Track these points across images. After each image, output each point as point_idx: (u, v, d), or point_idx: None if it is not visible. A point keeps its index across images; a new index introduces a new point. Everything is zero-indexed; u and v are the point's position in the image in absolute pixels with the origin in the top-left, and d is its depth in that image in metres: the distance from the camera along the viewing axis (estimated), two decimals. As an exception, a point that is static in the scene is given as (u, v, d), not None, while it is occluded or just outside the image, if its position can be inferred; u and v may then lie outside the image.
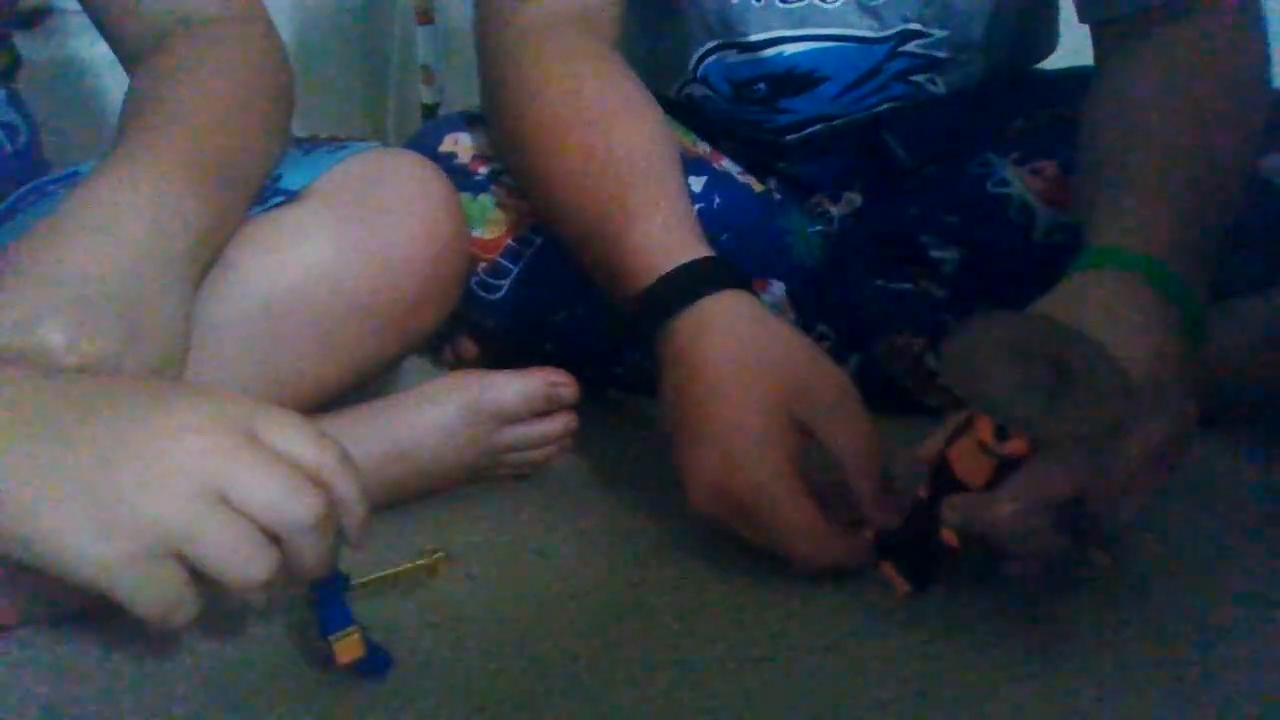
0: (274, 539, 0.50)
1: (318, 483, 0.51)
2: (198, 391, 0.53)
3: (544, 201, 0.82)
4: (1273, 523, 0.76)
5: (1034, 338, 0.59)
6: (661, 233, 0.71)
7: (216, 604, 0.52)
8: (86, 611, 0.61)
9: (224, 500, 0.49)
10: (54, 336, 0.55)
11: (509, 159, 0.89)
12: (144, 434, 0.50)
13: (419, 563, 0.66)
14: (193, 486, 0.49)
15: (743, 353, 0.67)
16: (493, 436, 0.78)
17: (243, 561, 0.49)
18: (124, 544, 0.49)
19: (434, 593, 0.65)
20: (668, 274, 0.70)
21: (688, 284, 0.70)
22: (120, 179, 0.61)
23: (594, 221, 0.75)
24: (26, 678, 0.57)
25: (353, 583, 0.59)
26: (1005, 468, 0.59)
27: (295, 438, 0.52)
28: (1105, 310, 0.63)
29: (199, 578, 0.50)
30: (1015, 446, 0.58)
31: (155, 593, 0.50)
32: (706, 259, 0.71)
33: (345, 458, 0.53)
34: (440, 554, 0.66)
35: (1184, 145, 0.72)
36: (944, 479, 0.61)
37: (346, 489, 0.53)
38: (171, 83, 0.69)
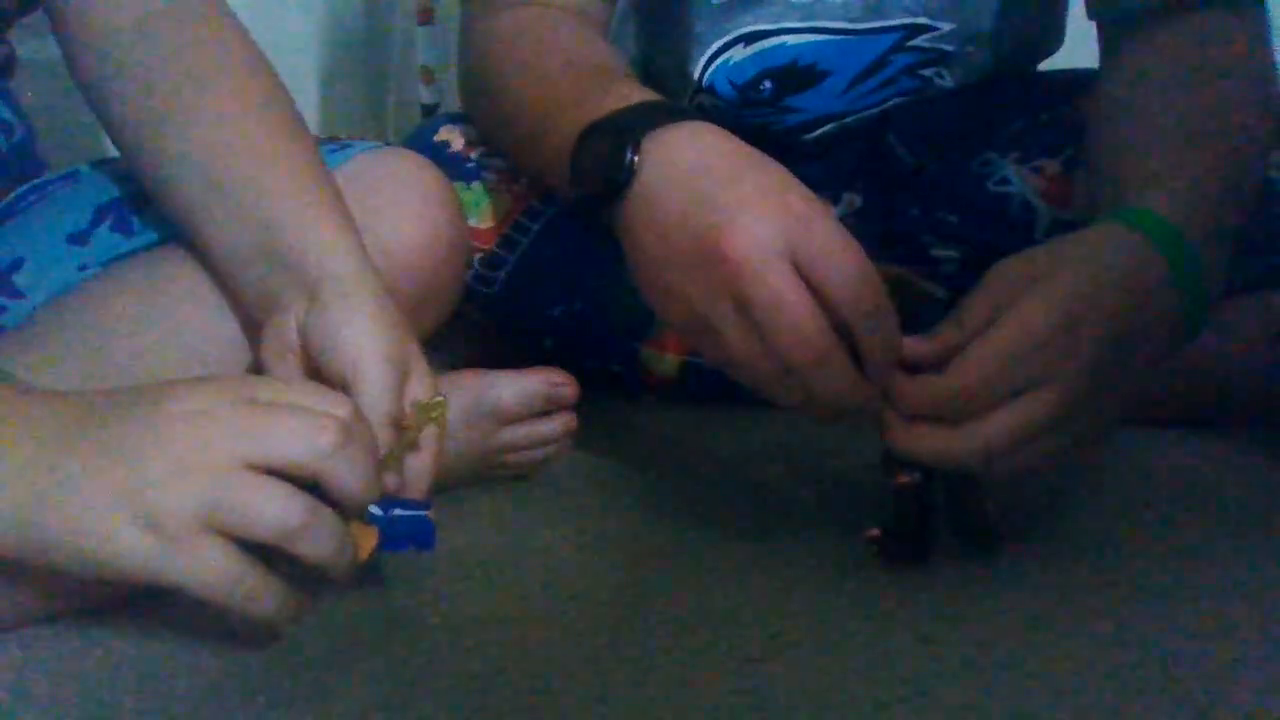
0: (312, 492, 0.53)
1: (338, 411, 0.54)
2: (191, 380, 0.56)
3: (520, 123, 0.80)
4: (1273, 523, 0.76)
5: None
6: (645, 94, 0.70)
7: (295, 575, 0.54)
8: (87, 612, 0.61)
9: (248, 464, 0.52)
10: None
11: (494, 130, 0.90)
12: (160, 425, 0.52)
13: (422, 406, 0.62)
14: (215, 460, 0.51)
15: (745, 150, 0.64)
16: (492, 437, 0.78)
17: (276, 511, 0.51)
18: (165, 530, 0.51)
19: (434, 593, 0.65)
20: (653, 101, 0.69)
21: (674, 109, 0.67)
22: (345, 297, 0.62)
23: (572, 101, 0.72)
24: (26, 678, 0.57)
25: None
26: None
27: (295, 390, 0.55)
28: (1063, 260, 0.64)
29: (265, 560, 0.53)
30: None
31: (210, 571, 0.51)
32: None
33: (354, 407, 0.56)
34: (440, 398, 0.62)
35: (1201, 122, 0.73)
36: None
37: (365, 432, 0.55)
38: (230, 112, 0.69)
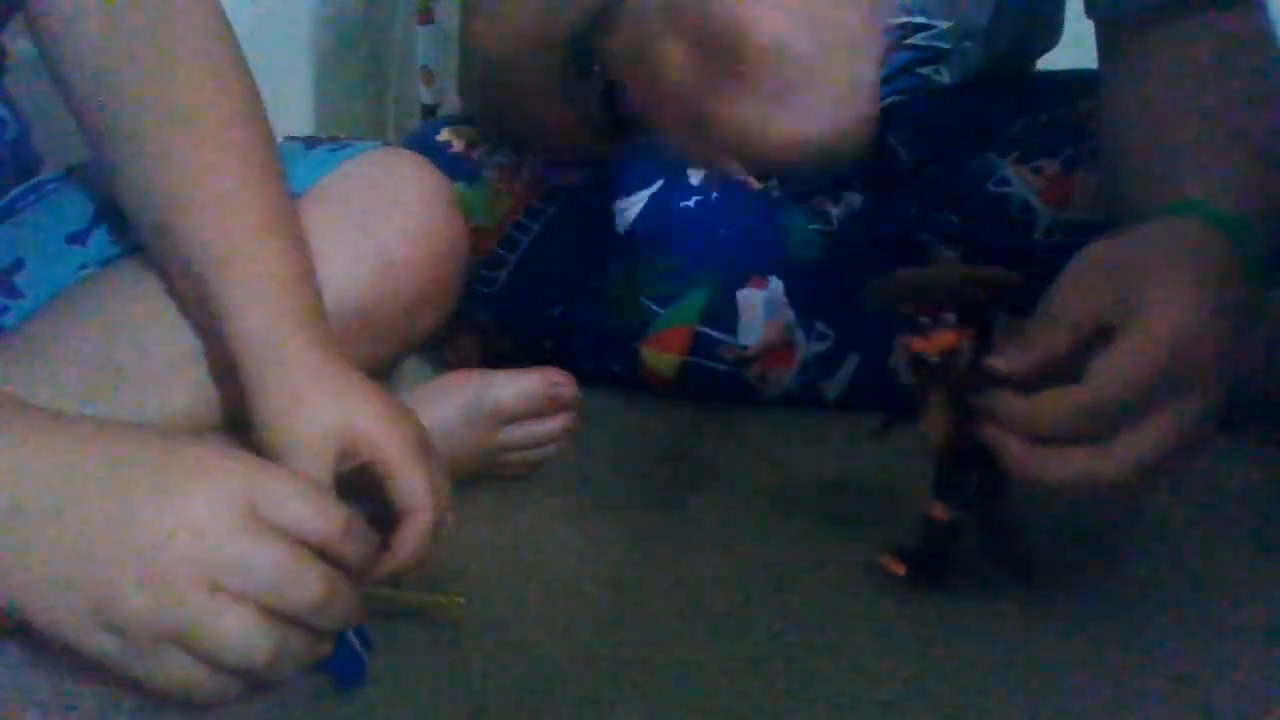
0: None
1: (325, 552, 0.51)
2: (197, 467, 0.51)
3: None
4: (1273, 523, 0.76)
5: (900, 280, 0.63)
6: None
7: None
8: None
9: (221, 589, 0.49)
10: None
11: (496, 99, 0.91)
12: (139, 525, 0.49)
13: (437, 599, 0.62)
14: (187, 582, 0.48)
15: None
16: (493, 436, 0.77)
17: (243, 649, 0.49)
18: (128, 636, 0.49)
19: (433, 593, 0.65)
20: None
21: None
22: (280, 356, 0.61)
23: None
24: (26, 678, 0.57)
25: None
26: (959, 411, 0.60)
27: (297, 508, 0.51)
28: (1167, 253, 0.60)
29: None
30: (943, 338, 0.60)
31: (166, 677, 0.50)
32: None
33: (351, 522, 0.52)
34: (460, 599, 0.62)
35: (1226, 115, 0.71)
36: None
37: (356, 554, 0.52)
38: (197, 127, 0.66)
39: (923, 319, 0.61)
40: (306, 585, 0.50)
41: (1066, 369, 0.58)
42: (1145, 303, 0.57)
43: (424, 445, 0.61)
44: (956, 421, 0.61)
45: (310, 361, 0.61)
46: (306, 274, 0.65)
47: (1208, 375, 0.58)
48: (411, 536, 0.58)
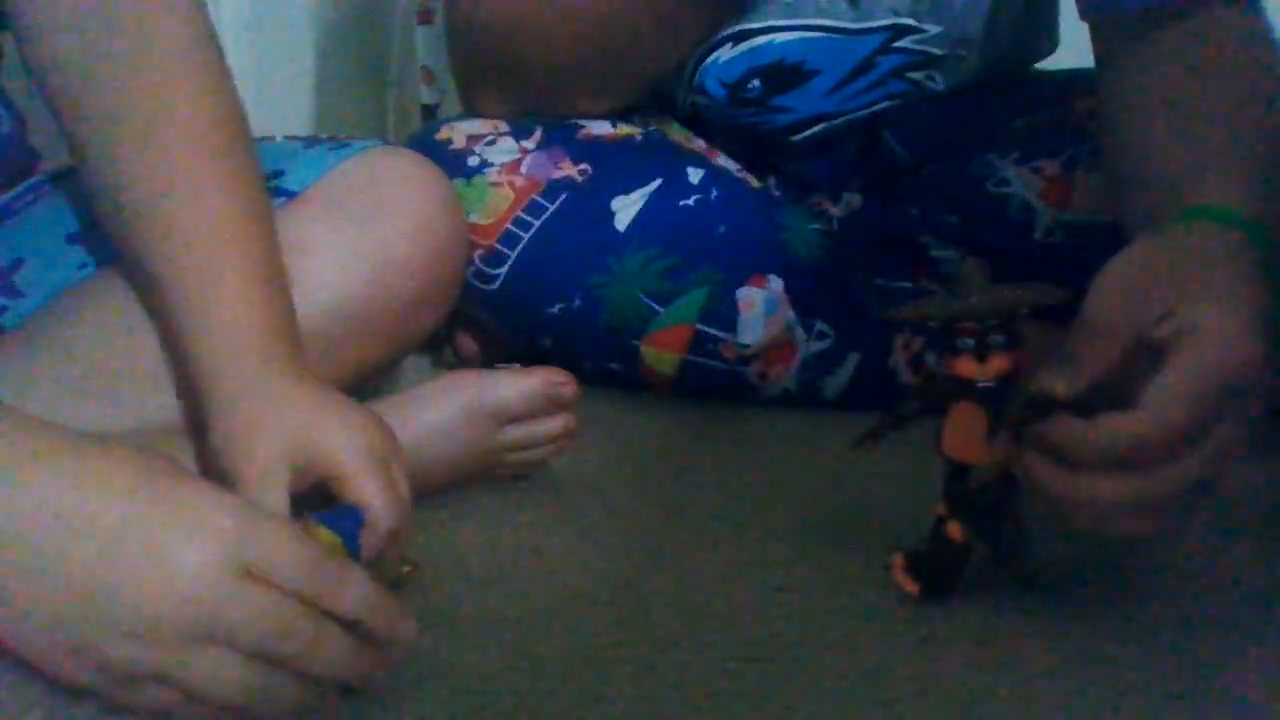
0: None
1: (312, 602, 0.49)
2: (193, 525, 0.49)
3: None
4: (1273, 523, 0.76)
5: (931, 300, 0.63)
6: None
7: None
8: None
9: (206, 639, 0.48)
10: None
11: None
12: (129, 581, 0.48)
13: (386, 572, 0.61)
14: (169, 632, 0.48)
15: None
16: (493, 437, 0.77)
17: (227, 694, 0.48)
18: (100, 674, 0.48)
19: (433, 593, 0.65)
20: None
21: None
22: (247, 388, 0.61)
23: None
24: (27, 678, 0.57)
25: None
26: (995, 430, 0.58)
27: (286, 561, 0.49)
28: (1204, 263, 0.59)
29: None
30: (999, 363, 0.58)
31: (152, 708, 0.49)
32: None
33: (341, 573, 0.51)
34: (407, 567, 0.63)
35: (1234, 116, 0.71)
36: (950, 481, 0.62)
37: (345, 606, 0.50)
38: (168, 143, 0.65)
39: (964, 340, 0.59)
40: (291, 635, 0.48)
41: (1109, 386, 0.57)
42: (1194, 320, 0.56)
43: (382, 455, 0.60)
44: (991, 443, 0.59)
45: (264, 384, 0.61)
46: (270, 287, 0.64)
47: (1254, 388, 0.57)
48: (364, 545, 0.58)
